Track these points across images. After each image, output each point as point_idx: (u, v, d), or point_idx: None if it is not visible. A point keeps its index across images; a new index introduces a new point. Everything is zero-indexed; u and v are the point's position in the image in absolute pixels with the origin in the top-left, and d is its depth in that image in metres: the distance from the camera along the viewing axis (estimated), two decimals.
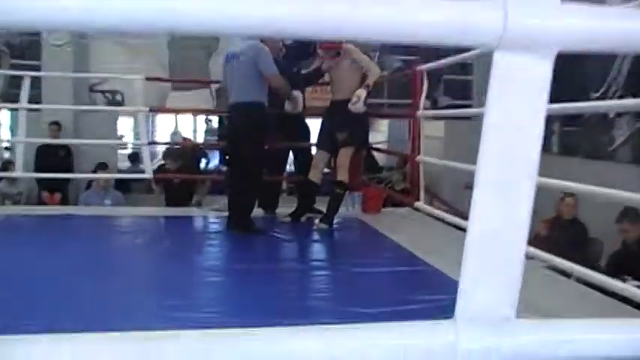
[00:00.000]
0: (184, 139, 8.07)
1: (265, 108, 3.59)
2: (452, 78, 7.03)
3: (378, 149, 7.20)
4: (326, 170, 4.13)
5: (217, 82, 4.96)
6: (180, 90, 6.71)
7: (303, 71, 4.23)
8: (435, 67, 3.78)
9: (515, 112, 0.64)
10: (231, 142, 3.66)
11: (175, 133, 9.68)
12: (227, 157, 3.78)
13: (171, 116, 9.63)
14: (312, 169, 3.96)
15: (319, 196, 4.25)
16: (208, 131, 11.06)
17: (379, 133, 11.29)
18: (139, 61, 6.62)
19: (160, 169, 5.46)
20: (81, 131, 6.36)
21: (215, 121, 8.66)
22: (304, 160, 4.17)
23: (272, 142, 3.98)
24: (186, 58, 6.78)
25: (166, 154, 5.43)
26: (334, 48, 3.87)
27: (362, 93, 3.77)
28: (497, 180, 0.64)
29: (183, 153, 5.57)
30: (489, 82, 0.64)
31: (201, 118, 9.42)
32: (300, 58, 4.39)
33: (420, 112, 3.67)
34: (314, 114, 4.82)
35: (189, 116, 9.25)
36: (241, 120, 3.51)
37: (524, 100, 0.64)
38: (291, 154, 4.39)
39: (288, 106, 3.83)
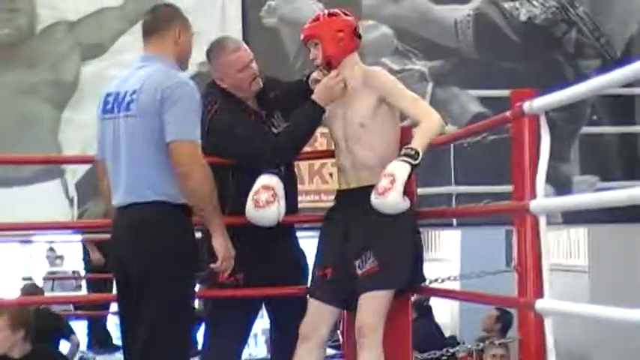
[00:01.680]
0: (31, 289, 8.33)
1: (190, 211, 3.77)
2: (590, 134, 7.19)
3: (441, 292, 7.07)
4: (331, 352, 4.21)
5: (80, 161, 5.17)
6: None
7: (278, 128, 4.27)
8: (563, 104, 3.67)
9: None
10: (122, 296, 3.83)
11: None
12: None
13: None
14: (299, 346, 4.07)
15: None
16: (51, 277, 11.12)
17: (442, 261, 11.32)
18: None
19: None
20: None
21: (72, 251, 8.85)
22: (288, 326, 4.28)
23: (213, 287, 4.14)
24: (9, 114, 6.85)
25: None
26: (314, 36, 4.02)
27: (400, 170, 3.86)
28: None
29: (34, 320, 5.72)
30: None
31: (40, 247, 9.54)
32: (296, 100, 4.31)
33: (537, 203, 3.50)
34: (303, 224, 4.97)
35: (12, 245, 9.52)
36: (139, 244, 3.67)
37: None
38: (264, 312, 4.62)
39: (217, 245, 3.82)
